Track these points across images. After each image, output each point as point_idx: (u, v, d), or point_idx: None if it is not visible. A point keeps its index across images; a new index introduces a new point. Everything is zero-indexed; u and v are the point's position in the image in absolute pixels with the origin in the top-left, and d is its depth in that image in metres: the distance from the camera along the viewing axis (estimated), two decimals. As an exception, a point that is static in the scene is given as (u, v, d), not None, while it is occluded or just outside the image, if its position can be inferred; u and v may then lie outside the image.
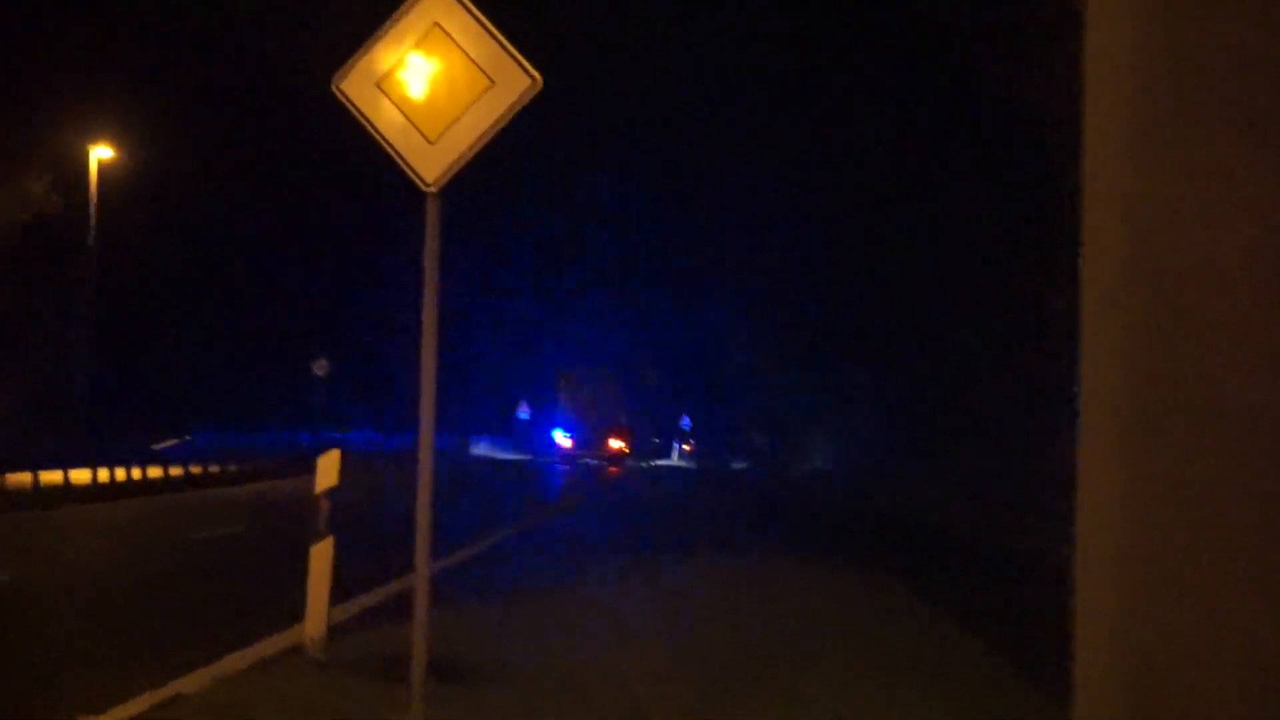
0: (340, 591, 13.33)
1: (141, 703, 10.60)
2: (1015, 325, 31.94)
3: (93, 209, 52.98)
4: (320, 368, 63.84)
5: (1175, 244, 1.71)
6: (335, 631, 12.57)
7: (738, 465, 73.72)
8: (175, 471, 44.19)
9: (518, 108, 9.70)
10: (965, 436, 39.78)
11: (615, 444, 70.45)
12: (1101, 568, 1.78)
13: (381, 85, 9.81)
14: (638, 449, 75.17)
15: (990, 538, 26.74)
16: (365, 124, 9.82)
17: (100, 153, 54.23)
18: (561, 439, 71.08)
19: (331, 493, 12.12)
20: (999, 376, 35.17)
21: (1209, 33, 1.74)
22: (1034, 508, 25.43)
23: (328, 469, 12.17)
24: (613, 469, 64.62)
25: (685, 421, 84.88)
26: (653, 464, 74.68)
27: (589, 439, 69.72)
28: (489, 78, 9.71)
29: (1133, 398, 1.75)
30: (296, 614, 12.63)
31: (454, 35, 9.76)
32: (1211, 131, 1.73)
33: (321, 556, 11.91)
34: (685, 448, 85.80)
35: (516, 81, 9.68)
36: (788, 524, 33.34)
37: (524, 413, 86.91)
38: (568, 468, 64.88)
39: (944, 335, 41.48)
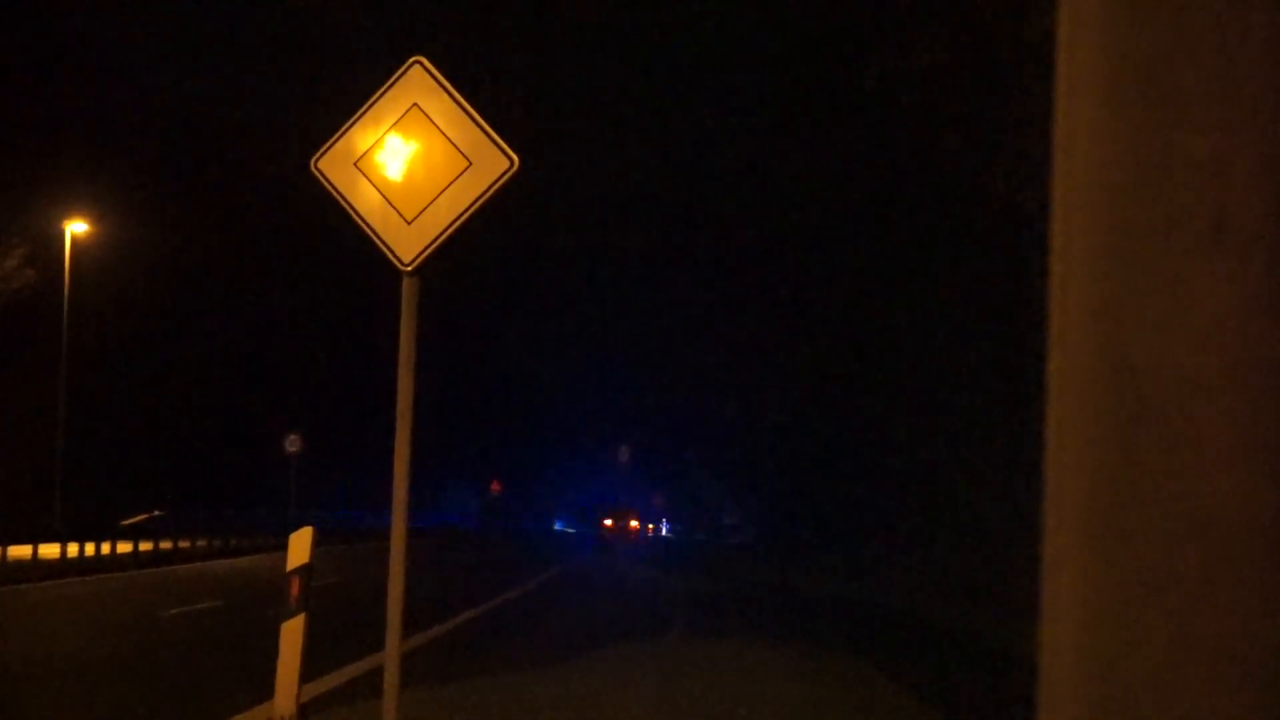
0: (321, 666, 13.28)
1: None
2: (987, 420, 32.08)
3: (66, 282, 52.88)
4: (292, 444, 63.64)
5: (1140, 346, 1.76)
6: (307, 709, 12.51)
7: (699, 537, 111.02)
8: (145, 546, 44.01)
9: (496, 189, 9.74)
10: (933, 530, 39.95)
11: (634, 524, 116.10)
12: (1067, 667, 1.82)
13: (359, 165, 9.86)
14: (644, 527, 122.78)
15: (951, 623, 26.82)
16: (343, 204, 9.86)
17: (75, 227, 54.13)
18: (605, 520, 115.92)
19: (303, 570, 12.08)
20: (968, 472, 35.32)
21: (1174, 139, 1.80)
22: (993, 597, 25.56)
23: (300, 546, 12.15)
24: (633, 536, 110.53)
25: (660, 502, 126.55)
26: (652, 535, 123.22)
27: (619, 521, 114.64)
28: (467, 159, 9.75)
29: (1097, 498, 1.79)
30: (266, 691, 12.57)
31: (433, 116, 9.82)
32: (1175, 235, 1.78)
33: (292, 633, 11.86)
34: (656, 525, 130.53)
35: (495, 163, 9.73)
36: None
37: (496, 491, 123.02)
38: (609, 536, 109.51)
39: (913, 432, 41.60)
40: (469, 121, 9.80)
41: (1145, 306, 1.76)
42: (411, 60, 9.92)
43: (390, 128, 9.85)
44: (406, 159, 9.83)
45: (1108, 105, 1.81)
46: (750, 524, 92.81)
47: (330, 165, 9.89)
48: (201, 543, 49.10)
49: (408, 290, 9.75)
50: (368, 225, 9.79)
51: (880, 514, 47.16)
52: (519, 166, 9.73)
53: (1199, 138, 1.77)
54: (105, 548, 40.75)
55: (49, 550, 37.51)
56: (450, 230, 9.74)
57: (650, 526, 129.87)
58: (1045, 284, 1.92)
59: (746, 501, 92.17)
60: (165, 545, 45.58)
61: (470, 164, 9.74)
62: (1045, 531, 1.85)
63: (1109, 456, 1.77)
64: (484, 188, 9.73)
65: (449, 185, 9.75)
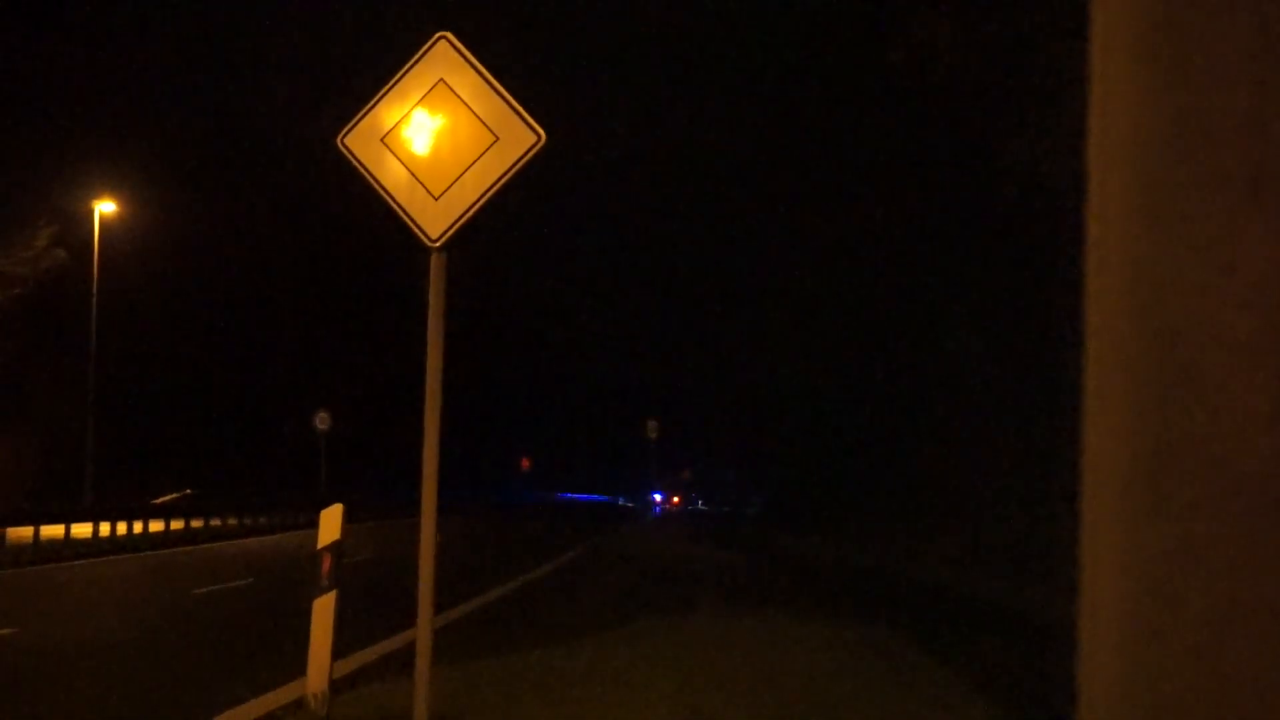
0: (360, 641, 13.29)
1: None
2: (1020, 388, 31.94)
3: (95, 262, 52.96)
4: (322, 421, 63.68)
5: (1180, 307, 1.73)
6: (339, 685, 12.52)
7: (724, 509, 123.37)
8: (177, 525, 44.14)
9: (523, 164, 9.68)
10: (947, 499, 39.85)
11: (676, 499, 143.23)
12: (1108, 634, 1.79)
13: (386, 141, 9.81)
14: (685, 501, 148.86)
15: (989, 596, 26.77)
16: (370, 180, 9.81)
17: (104, 206, 54.15)
18: (656, 498, 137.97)
19: (334, 546, 12.08)
20: (985, 440, 35.21)
21: (1211, 97, 1.76)
22: (1033, 569, 25.48)
23: (330, 523, 12.16)
24: (675, 508, 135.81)
25: (688, 476, 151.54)
26: (684, 505, 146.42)
27: (666, 498, 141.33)
28: (494, 134, 9.69)
29: (1136, 461, 1.76)
30: (299, 669, 12.58)
31: (459, 91, 9.76)
32: (1213, 194, 1.75)
33: (324, 610, 11.87)
34: (687, 498, 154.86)
35: (522, 138, 9.67)
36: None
37: (525, 467, 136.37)
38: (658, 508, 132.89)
39: (932, 402, 41.47)
40: (495, 96, 9.73)
41: (1184, 267, 1.73)
42: (437, 35, 9.87)
43: (417, 103, 9.80)
44: (433, 134, 9.78)
45: (1143, 62, 1.78)
46: (761, 497, 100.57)
47: (357, 141, 9.85)
48: (233, 521, 49.21)
49: (435, 267, 9.70)
50: (395, 201, 9.74)
51: (896, 485, 47.08)
52: (546, 141, 9.67)
53: (1236, 94, 1.73)
54: (137, 527, 40.85)
55: (81, 529, 37.65)
56: (477, 206, 9.68)
57: (679, 498, 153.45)
58: (1075, 248, 1.89)
59: (763, 476, 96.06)
60: (196, 524, 45.68)
61: (497, 139, 9.68)
62: (1083, 498, 1.82)
63: (1148, 420, 1.74)
64: (511, 163, 9.67)
65: (476, 161, 9.69)
